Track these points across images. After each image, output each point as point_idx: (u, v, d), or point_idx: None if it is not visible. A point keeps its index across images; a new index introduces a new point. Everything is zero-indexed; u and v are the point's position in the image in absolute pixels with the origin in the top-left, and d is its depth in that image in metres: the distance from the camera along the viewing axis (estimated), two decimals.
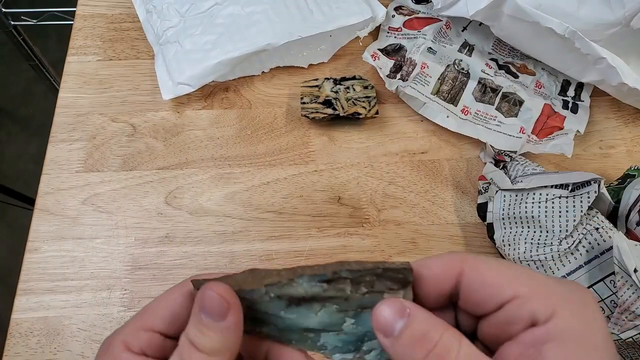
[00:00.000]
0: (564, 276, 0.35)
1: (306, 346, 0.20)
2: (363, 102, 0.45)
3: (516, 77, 0.48)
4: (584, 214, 0.35)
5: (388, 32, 0.51)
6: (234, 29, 0.46)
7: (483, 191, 0.42)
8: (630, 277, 0.31)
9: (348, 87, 0.46)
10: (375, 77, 0.48)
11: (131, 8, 0.51)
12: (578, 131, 0.45)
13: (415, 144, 0.46)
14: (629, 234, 0.36)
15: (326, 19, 0.47)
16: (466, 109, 0.46)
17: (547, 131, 0.45)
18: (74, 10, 0.52)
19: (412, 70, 0.47)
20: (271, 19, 0.46)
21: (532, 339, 0.17)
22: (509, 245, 0.37)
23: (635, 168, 0.40)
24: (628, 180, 0.38)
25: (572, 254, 0.35)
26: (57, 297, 0.39)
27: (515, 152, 0.42)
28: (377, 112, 0.45)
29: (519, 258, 0.36)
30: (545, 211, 0.36)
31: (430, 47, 0.48)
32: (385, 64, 0.49)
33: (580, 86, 0.48)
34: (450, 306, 0.21)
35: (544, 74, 0.49)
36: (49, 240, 0.41)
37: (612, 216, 0.37)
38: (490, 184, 0.41)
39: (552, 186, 0.37)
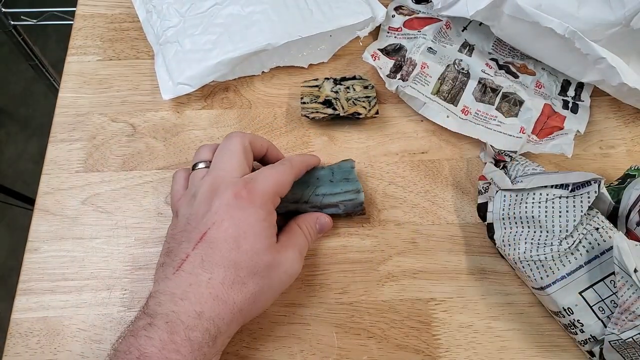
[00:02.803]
0: (564, 276, 0.35)
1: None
2: (363, 102, 0.45)
3: (516, 77, 0.48)
4: (584, 214, 0.35)
5: (388, 32, 0.51)
6: (234, 29, 0.46)
7: (483, 191, 0.42)
8: (631, 277, 0.31)
9: (348, 87, 0.46)
10: (375, 77, 0.48)
11: (131, 8, 0.51)
12: (578, 131, 0.45)
13: (415, 144, 0.46)
14: (629, 234, 0.36)
15: (326, 19, 0.47)
16: (466, 109, 0.46)
17: (547, 131, 0.45)
18: (74, 10, 0.52)
19: (412, 70, 0.47)
20: (271, 19, 0.46)
21: None
22: (509, 245, 0.37)
23: (636, 168, 0.40)
24: (628, 180, 0.38)
25: (572, 254, 0.35)
26: (57, 297, 0.39)
27: (515, 152, 0.42)
28: (377, 112, 0.45)
29: (519, 258, 0.36)
30: (546, 211, 0.36)
31: (430, 47, 0.48)
32: (385, 64, 0.49)
33: (580, 86, 0.48)
34: None
35: (544, 74, 0.49)
36: (49, 240, 0.41)
37: (612, 216, 0.37)
38: (490, 184, 0.41)
39: (552, 186, 0.37)
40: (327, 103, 0.45)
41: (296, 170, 0.37)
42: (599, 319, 0.34)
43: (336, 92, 0.46)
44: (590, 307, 0.34)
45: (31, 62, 0.99)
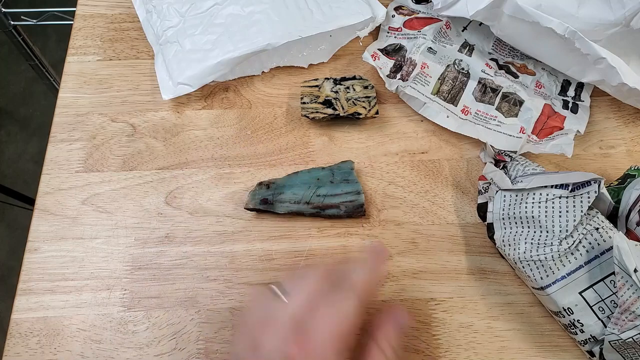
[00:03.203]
0: (564, 276, 0.35)
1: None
2: (363, 102, 0.45)
3: (516, 77, 0.48)
4: (584, 214, 0.35)
5: (388, 32, 0.51)
6: (234, 29, 0.46)
7: (483, 191, 0.42)
8: (631, 277, 0.31)
9: (348, 87, 0.46)
10: (375, 77, 0.48)
11: (131, 8, 0.51)
12: (578, 131, 0.45)
13: (415, 144, 0.46)
14: (629, 234, 0.36)
15: (326, 19, 0.47)
16: (466, 109, 0.46)
17: (547, 131, 0.45)
18: (74, 10, 0.52)
19: (412, 70, 0.47)
20: (271, 19, 0.46)
21: None
22: (509, 245, 0.37)
23: (635, 168, 0.40)
24: (628, 180, 0.38)
25: (572, 254, 0.35)
26: (57, 297, 0.39)
27: (515, 152, 0.42)
28: (377, 112, 0.45)
29: (519, 258, 0.36)
30: (546, 211, 0.36)
31: (430, 47, 0.48)
32: (385, 64, 0.49)
33: (580, 86, 0.48)
34: None
35: (544, 74, 0.49)
36: (49, 240, 0.41)
37: (612, 216, 0.37)
38: (490, 184, 0.41)
39: (552, 186, 0.37)
40: (327, 103, 0.45)
41: (364, 303, 0.30)
42: (599, 319, 0.34)
43: (336, 92, 0.46)
44: (590, 307, 0.34)
45: (31, 62, 0.99)
